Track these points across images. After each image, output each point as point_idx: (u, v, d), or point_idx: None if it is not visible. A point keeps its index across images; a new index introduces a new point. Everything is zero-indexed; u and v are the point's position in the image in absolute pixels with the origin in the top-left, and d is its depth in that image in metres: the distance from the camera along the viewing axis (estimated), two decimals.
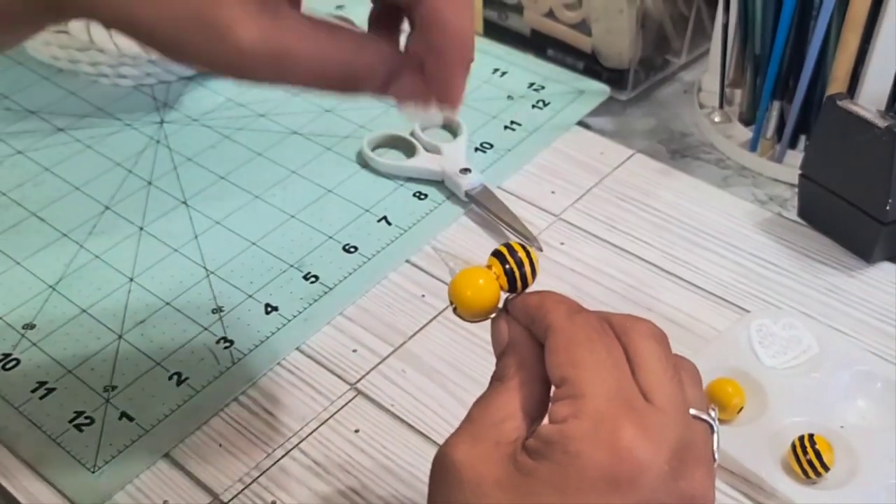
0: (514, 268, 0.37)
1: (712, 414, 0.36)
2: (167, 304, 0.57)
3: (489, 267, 0.38)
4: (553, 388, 0.35)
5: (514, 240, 0.54)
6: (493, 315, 0.38)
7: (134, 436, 0.50)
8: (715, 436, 0.35)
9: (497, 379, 0.37)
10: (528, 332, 0.37)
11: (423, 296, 0.58)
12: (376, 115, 0.70)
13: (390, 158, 0.66)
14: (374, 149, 0.67)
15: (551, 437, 0.33)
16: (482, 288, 0.37)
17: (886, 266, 0.59)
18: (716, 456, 0.35)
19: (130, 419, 0.51)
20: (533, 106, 0.71)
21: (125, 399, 0.52)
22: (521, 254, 0.37)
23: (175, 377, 0.53)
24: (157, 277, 0.59)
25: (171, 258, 0.60)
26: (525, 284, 0.37)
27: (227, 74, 0.35)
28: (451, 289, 0.38)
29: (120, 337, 0.55)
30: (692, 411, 0.35)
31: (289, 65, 0.34)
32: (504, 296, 0.38)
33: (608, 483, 0.32)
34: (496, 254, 0.38)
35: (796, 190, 0.64)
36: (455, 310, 0.38)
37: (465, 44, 0.36)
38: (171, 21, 0.33)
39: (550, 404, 0.34)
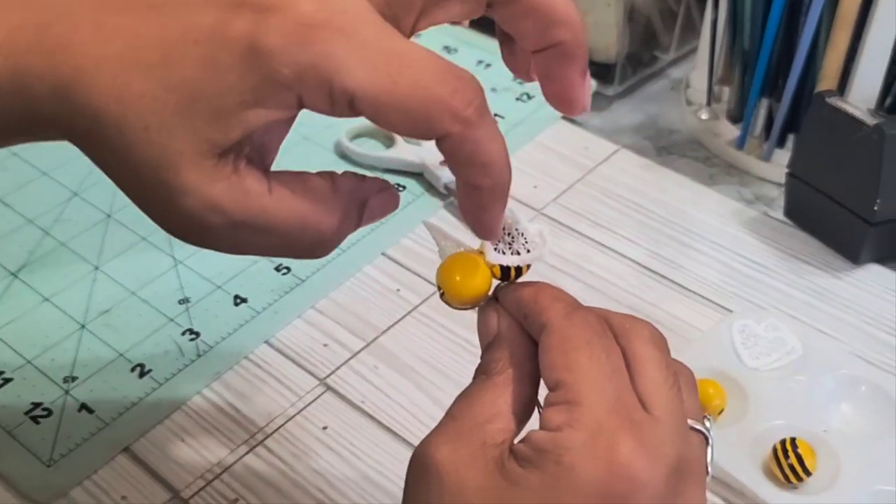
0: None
1: (707, 424, 0.34)
2: (133, 293, 0.55)
3: (481, 252, 0.35)
4: (547, 392, 0.32)
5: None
6: (481, 304, 0.36)
7: (93, 429, 0.48)
8: (709, 448, 0.34)
9: (483, 373, 0.34)
10: (518, 325, 0.35)
11: (399, 290, 0.56)
12: None
13: (369, 149, 0.65)
14: (352, 139, 0.65)
15: (544, 446, 0.30)
16: (473, 274, 0.35)
17: (874, 268, 0.58)
18: (709, 469, 0.33)
19: (90, 411, 0.49)
20: (517, 99, 0.69)
21: (85, 391, 0.50)
22: None
23: (138, 369, 0.51)
24: (124, 266, 0.57)
25: (140, 246, 0.58)
26: (518, 273, 0.35)
27: (183, 239, 0.32)
28: (440, 273, 0.35)
29: (83, 327, 0.53)
30: (689, 422, 0.33)
31: (251, 236, 0.32)
32: (495, 284, 0.36)
33: (602, 499, 0.30)
34: None
35: (783, 189, 0.63)
36: (442, 295, 0.35)
37: (503, 184, 0.33)
38: (130, 183, 0.31)
39: (543, 409, 0.32)
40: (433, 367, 0.52)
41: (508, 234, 0.36)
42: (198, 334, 0.53)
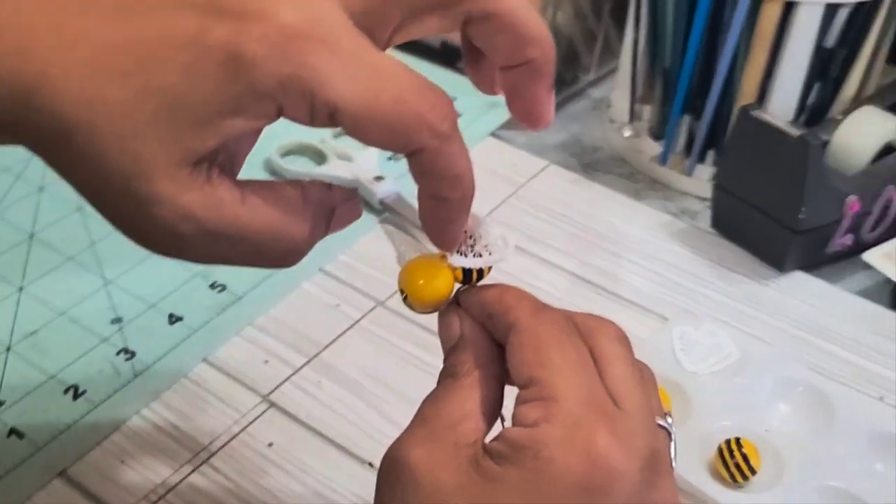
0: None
1: (669, 420, 0.34)
2: (61, 314, 0.53)
3: (443, 256, 0.35)
4: (518, 390, 0.32)
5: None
6: (442, 308, 0.36)
7: (25, 454, 0.46)
8: (673, 444, 0.34)
9: (450, 376, 0.34)
10: (481, 327, 0.35)
11: (338, 305, 0.56)
12: (286, 122, 0.67)
13: (300, 166, 0.64)
14: (283, 155, 0.64)
15: (521, 442, 0.30)
16: (435, 277, 0.35)
17: (799, 275, 0.60)
18: (673, 464, 0.34)
19: (21, 436, 0.47)
20: None
21: (15, 415, 0.48)
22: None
23: (71, 391, 0.49)
24: (50, 287, 0.55)
25: (66, 266, 0.56)
26: (480, 276, 0.35)
27: (153, 249, 0.32)
28: (403, 276, 0.35)
29: (8, 349, 0.51)
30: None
31: (223, 246, 0.31)
32: (456, 287, 0.36)
33: (581, 491, 0.30)
34: None
35: (706, 203, 0.65)
36: (405, 299, 0.35)
37: (470, 196, 0.33)
38: (99, 192, 0.30)
39: (516, 406, 0.32)
40: (377, 380, 0.51)
41: (470, 236, 0.36)
42: (133, 354, 0.51)
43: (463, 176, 0.32)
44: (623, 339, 0.35)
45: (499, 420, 0.34)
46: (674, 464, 0.34)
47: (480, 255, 0.35)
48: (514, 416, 0.32)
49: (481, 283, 0.36)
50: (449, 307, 0.36)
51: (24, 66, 0.29)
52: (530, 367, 0.32)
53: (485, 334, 0.35)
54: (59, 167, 0.31)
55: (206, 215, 0.30)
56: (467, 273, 0.35)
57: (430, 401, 0.34)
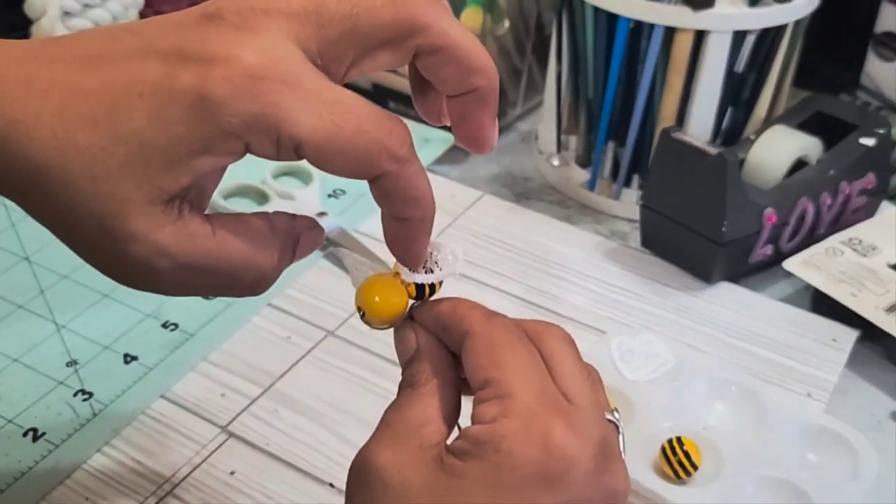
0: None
1: (616, 416, 0.37)
2: (15, 360, 0.54)
3: (397, 274, 0.37)
4: (476, 391, 0.34)
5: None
6: (397, 323, 0.38)
7: None
8: (621, 436, 0.36)
9: (408, 385, 0.36)
10: (436, 339, 0.37)
11: (289, 337, 0.57)
12: None
13: (243, 207, 0.66)
14: (226, 198, 0.66)
15: (481, 437, 0.32)
16: (391, 294, 0.37)
17: (725, 285, 0.63)
18: (623, 456, 0.36)
19: None
20: None
21: None
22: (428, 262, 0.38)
23: (31, 433, 0.50)
24: (2, 335, 0.55)
25: (17, 314, 0.57)
26: (433, 291, 0.37)
27: (130, 284, 0.33)
28: (360, 295, 0.37)
29: None
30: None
31: (197, 277, 0.33)
32: (410, 304, 0.38)
33: (541, 480, 0.32)
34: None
35: (635, 225, 0.68)
36: (363, 316, 0.37)
37: (431, 215, 0.35)
38: (75, 232, 0.32)
39: (474, 406, 0.34)
40: (333, 405, 0.53)
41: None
42: (91, 394, 0.52)
43: (423, 197, 0.34)
44: (570, 341, 0.37)
45: (456, 429, 0.36)
46: (623, 455, 0.36)
47: (432, 271, 0.37)
48: (472, 417, 0.34)
49: (433, 297, 0.38)
50: (404, 322, 0.38)
51: None
52: (485, 368, 0.34)
53: (440, 345, 0.37)
54: (35, 211, 0.33)
55: (179, 249, 0.32)
56: (420, 288, 0.37)
57: (393, 409, 0.36)
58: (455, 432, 0.35)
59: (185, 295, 0.35)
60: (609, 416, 0.36)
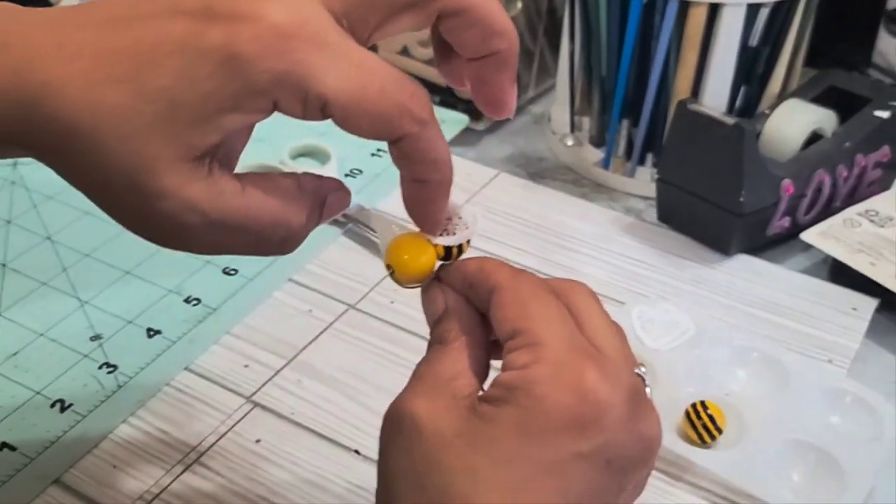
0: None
1: (643, 369, 0.37)
2: (40, 335, 0.54)
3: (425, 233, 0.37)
4: (505, 342, 0.34)
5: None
6: (425, 283, 0.38)
7: (18, 465, 0.47)
8: (648, 390, 0.36)
9: (438, 342, 0.36)
10: (463, 299, 0.37)
11: (311, 310, 0.58)
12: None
13: None
14: None
15: (514, 383, 0.33)
16: (420, 253, 0.37)
17: (743, 257, 0.63)
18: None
19: (12, 449, 0.48)
20: None
21: (4, 430, 0.49)
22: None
23: (58, 405, 0.50)
24: (27, 311, 0.56)
25: (40, 291, 0.57)
26: (460, 252, 0.38)
27: (160, 242, 0.34)
28: (390, 252, 0.37)
29: None
30: None
31: (226, 235, 0.34)
32: (437, 265, 0.38)
33: (574, 424, 0.32)
34: None
35: (650, 202, 0.68)
36: (392, 274, 0.37)
37: (449, 178, 0.36)
38: (106, 192, 0.33)
39: (505, 355, 0.34)
40: (356, 375, 0.53)
41: (447, 217, 0.38)
42: (115, 367, 0.52)
43: (442, 159, 0.35)
44: (595, 297, 0.37)
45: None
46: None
47: (455, 234, 0.38)
48: (503, 365, 0.34)
49: (460, 258, 0.38)
50: (431, 283, 0.38)
51: (30, 78, 0.31)
52: (514, 319, 0.34)
53: (468, 304, 0.37)
54: (66, 171, 0.33)
55: (209, 206, 0.32)
56: (448, 249, 0.38)
57: (424, 364, 0.36)
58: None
59: (214, 253, 0.35)
60: (637, 371, 0.36)
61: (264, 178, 0.35)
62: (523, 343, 0.34)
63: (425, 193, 0.36)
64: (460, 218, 0.39)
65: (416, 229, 0.38)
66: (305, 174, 0.36)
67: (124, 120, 0.31)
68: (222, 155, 0.33)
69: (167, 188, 0.32)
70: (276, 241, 0.35)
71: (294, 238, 0.36)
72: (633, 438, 0.33)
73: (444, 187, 0.36)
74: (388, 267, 0.38)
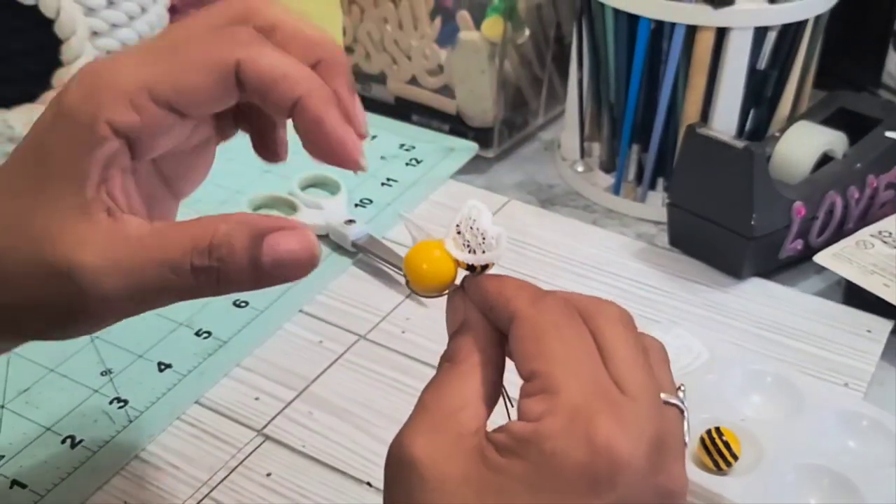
0: None
1: (681, 395, 0.35)
2: (51, 370, 0.54)
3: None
4: (523, 382, 0.33)
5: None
6: (447, 292, 0.36)
7: (28, 503, 0.47)
8: (685, 419, 0.34)
9: (447, 360, 0.35)
10: (483, 315, 0.35)
11: (321, 342, 0.57)
12: (254, 178, 0.69)
13: None
14: (255, 209, 0.66)
15: (525, 435, 0.31)
16: (439, 262, 0.35)
17: (756, 281, 0.63)
18: (686, 439, 0.34)
19: (23, 486, 0.48)
20: (406, 164, 0.73)
21: (14, 467, 0.49)
22: None
23: (69, 440, 0.50)
24: (37, 347, 0.56)
25: None
26: (484, 268, 0.36)
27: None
28: (407, 261, 0.36)
29: (2, 407, 0.52)
30: (662, 396, 0.33)
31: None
32: (461, 273, 0.36)
33: (586, 482, 0.30)
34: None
35: (661, 227, 0.68)
36: (408, 283, 0.36)
37: (309, 87, 0.36)
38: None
39: (520, 399, 0.32)
40: (367, 406, 0.53)
41: (471, 228, 0.36)
42: (126, 402, 0.52)
43: (290, 75, 0.35)
44: (625, 320, 0.35)
45: (509, 406, 0.35)
46: (686, 438, 0.34)
47: (475, 252, 0.36)
48: (518, 410, 0.32)
49: (487, 272, 0.36)
50: (455, 292, 0.36)
51: None
52: (532, 359, 0.33)
53: (485, 321, 0.35)
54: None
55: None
56: (471, 267, 0.36)
57: (430, 388, 0.34)
58: (495, 419, 0.34)
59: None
60: (672, 399, 0.34)
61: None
62: (539, 389, 0.32)
63: (309, 120, 0.36)
64: (483, 238, 0.36)
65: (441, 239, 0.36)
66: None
67: None
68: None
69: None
70: None
71: None
72: (653, 494, 0.32)
73: (322, 98, 0.35)
74: (406, 276, 0.36)
